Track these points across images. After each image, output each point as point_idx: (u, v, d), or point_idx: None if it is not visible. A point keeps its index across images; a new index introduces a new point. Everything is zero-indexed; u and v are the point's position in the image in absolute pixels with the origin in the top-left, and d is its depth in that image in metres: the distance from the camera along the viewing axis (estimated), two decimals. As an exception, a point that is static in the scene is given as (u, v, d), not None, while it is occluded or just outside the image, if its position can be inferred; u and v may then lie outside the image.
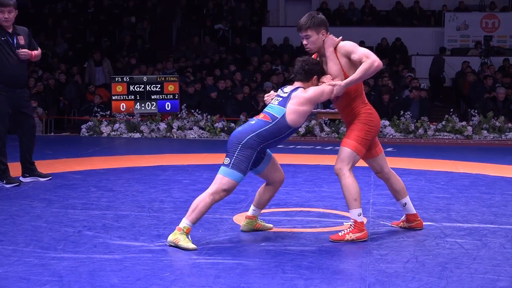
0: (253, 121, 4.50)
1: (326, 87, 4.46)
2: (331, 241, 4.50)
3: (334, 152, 8.32)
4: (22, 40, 6.54)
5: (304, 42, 4.57)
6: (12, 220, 5.04)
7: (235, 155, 4.36)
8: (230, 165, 4.35)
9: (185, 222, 4.34)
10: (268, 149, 4.61)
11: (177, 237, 4.31)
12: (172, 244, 4.31)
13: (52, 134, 13.34)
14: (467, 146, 11.08)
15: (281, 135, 4.43)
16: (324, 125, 12.00)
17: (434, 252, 4.26)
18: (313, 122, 11.99)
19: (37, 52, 6.70)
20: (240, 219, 5.08)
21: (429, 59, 17.00)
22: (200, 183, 6.68)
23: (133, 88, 12.78)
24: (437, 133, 11.86)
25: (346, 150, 4.52)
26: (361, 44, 16.59)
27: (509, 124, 12.01)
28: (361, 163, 4.80)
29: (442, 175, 7.51)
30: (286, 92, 4.50)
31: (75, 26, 18.50)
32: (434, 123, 12.07)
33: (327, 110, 12.51)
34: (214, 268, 3.88)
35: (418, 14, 18.93)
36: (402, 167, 7.86)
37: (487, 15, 18.08)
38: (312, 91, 4.46)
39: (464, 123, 12.02)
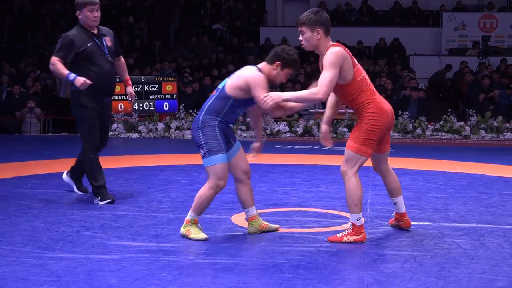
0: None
1: (263, 91, 4.33)
2: (328, 242, 4.50)
3: (332, 152, 8.32)
4: (109, 42, 5.80)
5: (300, 37, 4.50)
6: (10, 220, 5.03)
7: (202, 142, 4.40)
8: (206, 153, 4.40)
9: (191, 214, 4.49)
10: (237, 139, 4.64)
11: (188, 228, 4.48)
12: (185, 237, 4.46)
13: (50, 134, 13.33)
14: (465, 146, 11.10)
15: (225, 106, 4.42)
16: (322, 125, 11.98)
17: (432, 252, 4.26)
18: (311, 122, 11.98)
19: (127, 75, 6.05)
20: (238, 219, 5.07)
21: (428, 59, 17.01)
22: (198, 183, 6.66)
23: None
24: (435, 133, 11.87)
25: (348, 152, 4.48)
26: (359, 44, 16.74)
27: (507, 124, 12.02)
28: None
29: (440, 175, 7.52)
30: None
31: (73, 26, 18.43)
32: (432, 123, 12.08)
33: (325, 110, 12.50)
34: (212, 268, 3.87)
35: (416, 14, 18.94)
36: (400, 167, 7.86)
37: (485, 15, 18.10)
38: (253, 77, 4.38)
39: (462, 123, 12.03)
